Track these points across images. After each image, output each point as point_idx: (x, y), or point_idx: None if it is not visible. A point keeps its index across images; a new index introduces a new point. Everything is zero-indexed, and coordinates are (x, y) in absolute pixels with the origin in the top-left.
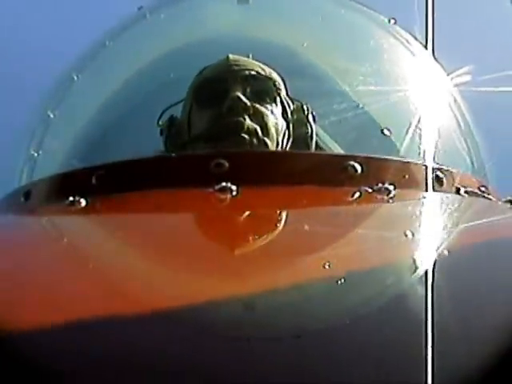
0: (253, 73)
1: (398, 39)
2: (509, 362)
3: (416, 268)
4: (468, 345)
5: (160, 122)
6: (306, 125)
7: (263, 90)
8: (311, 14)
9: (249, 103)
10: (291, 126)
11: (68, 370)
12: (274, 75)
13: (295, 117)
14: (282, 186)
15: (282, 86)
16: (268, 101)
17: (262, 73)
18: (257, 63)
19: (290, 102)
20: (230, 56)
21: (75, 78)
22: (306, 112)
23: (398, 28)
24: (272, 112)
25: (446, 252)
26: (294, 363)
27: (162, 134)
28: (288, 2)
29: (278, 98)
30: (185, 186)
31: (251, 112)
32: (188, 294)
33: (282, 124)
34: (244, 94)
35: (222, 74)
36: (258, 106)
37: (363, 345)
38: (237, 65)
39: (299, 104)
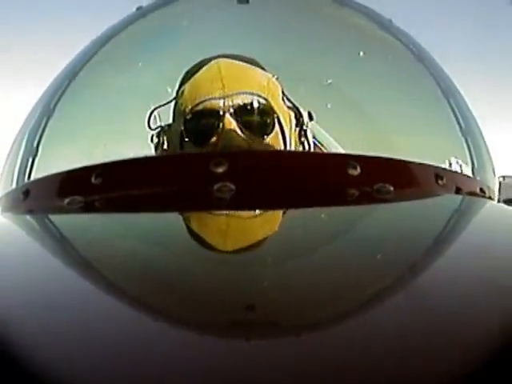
0: (246, 100)
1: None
2: (507, 362)
3: (415, 268)
4: (467, 344)
5: (150, 125)
6: (303, 128)
7: (258, 123)
8: (308, 13)
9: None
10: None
11: (67, 370)
12: (270, 85)
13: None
14: (281, 186)
15: (277, 98)
16: (265, 129)
17: (257, 92)
18: (251, 73)
19: (286, 115)
20: (222, 64)
21: (74, 77)
22: (303, 118)
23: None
24: (268, 142)
25: (445, 252)
26: (294, 363)
27: (152, 141)
28: (286, 2)
29: (275, 122)
30: (185, 185)
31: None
32: (187, 293)
33: (280, 145)
34: (237, 126)
35: (213, 107)
36: (253, 137)
37: (363, 345)
38: (229, 86)
39: (296, 111)
